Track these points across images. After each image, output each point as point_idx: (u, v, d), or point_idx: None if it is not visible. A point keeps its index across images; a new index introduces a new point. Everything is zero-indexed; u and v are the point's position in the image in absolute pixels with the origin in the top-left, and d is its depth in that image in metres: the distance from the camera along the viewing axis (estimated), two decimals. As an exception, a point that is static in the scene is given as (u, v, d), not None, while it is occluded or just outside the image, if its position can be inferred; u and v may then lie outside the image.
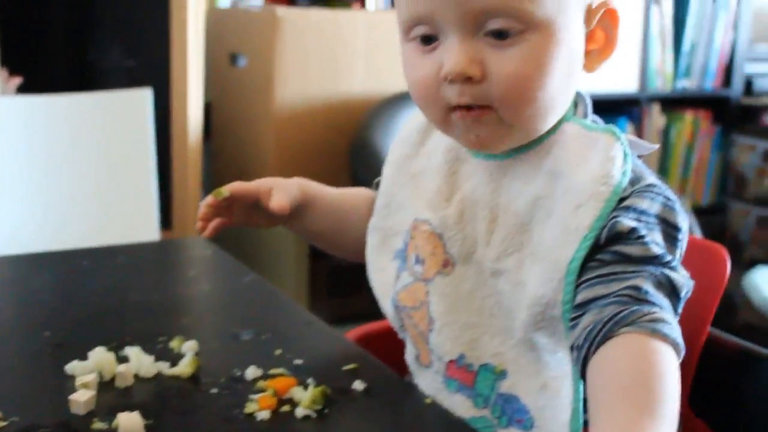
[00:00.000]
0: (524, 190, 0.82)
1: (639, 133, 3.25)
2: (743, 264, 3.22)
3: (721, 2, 3.34)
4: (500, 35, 0.76)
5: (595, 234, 0.76)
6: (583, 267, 0.77)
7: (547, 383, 0.81)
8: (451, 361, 0.86)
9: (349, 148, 2.30)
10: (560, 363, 0.80)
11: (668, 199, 0.79)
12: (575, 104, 0.85)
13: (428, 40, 0.80)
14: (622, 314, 0.72)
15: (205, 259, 1.31)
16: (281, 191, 0.96)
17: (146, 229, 2.00)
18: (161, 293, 1.14)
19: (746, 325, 3.08)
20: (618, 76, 3.11)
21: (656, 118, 3.32)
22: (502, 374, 0.83)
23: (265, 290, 1.15)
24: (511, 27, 0.76)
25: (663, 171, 3.35)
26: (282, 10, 2.26)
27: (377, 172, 1.05)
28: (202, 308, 1.13)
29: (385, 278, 0.94)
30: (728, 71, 3.42)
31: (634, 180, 0.79)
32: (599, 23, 0.82)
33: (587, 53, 0.82)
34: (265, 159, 2.34)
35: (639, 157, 0.83)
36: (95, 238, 1.86)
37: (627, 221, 0.76)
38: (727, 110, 3.44)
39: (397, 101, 2.27)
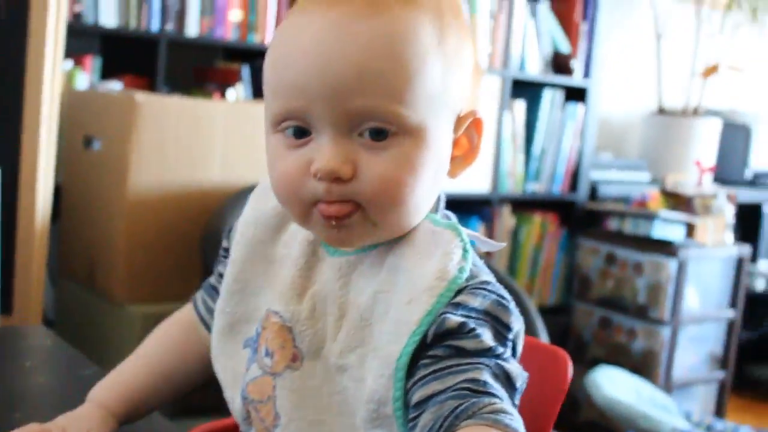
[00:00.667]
0: (368, 285, 0.82)
1: (490, 232, 3.31)
2: (586, 363, 3.29)
3: (569, 112, 3.48)
4: (376, 135, 0.77)
5: (424, 329, 0.76)
6: (416, 364, 0.76)
7: None
8: None
9: (202, 238, 2.26)
10: None
11: (502, 297, 0.79)
12: None
13: (299, 133, 0.79)
14: (462, 407, 0.71)
15: (44, 349, 1.24)
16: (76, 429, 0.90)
17: (-16, 313, 1.90)
18: (-7, 384, 1.07)
19: (588, 422, 3.13)
20: (471, 177, 3.18)
21: (507, 218, 3.40)
22: None
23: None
24: (385, 127, 0.76)
25: (512, 270, 3.41)
26: (141, 96, 2.23)
27: None
28: (36, 402, 1.06)
29: (234, 366, 0.90)
30: (575, 177, 3.54)
31: (470, 278, 0.79)
32: (465, 131, 0.84)
33: (452, 159, 0.83)
34: (115, 244, 2.28)
35: (488, 254, 0.83)
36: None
37: (455, 317, 0.75)
38: (573, 214, 3.56)
39: (251, 193, 2.25)
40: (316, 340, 0.84)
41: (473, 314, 0.77)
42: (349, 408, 0.81)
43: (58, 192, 2.41)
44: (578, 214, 3.55)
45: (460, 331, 0.75)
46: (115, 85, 2.60)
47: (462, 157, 0.85)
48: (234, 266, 0.92)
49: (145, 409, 0.97)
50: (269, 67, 0.81)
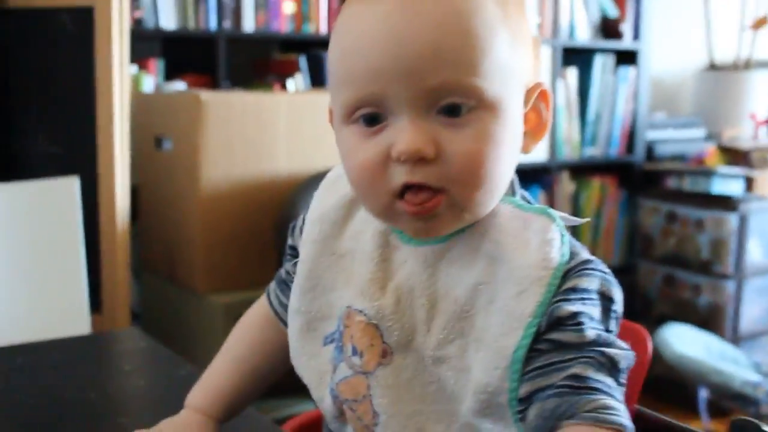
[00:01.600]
0: (463, 275, 0.80)
1: (550, 199, 3.31)
2: (653, 320, 3.28)
3: (621, 75, 3.44)
4: (453, 111, 0.75)
5: (539, 320, 0.75)
6: (527, 356, 0.75)
7: None
8: None
9: (274, 226, 2.29)
10: None
11: (604, 272, 0.78)
12: None
13: (372, 121, 0.77)
14: (562, 407, 0.71)
15: (140, 352, 1.28)
16: None
17: (76, 315, 1.94)
18: (98, 391, 1.10)
19: (659, 378, 3.12)
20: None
21: (566, 184, 3.38)
22: None
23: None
24: (464, 102, 0.74)
25: (574, 234, 3.39)
26: (205, 94, 2.25)
27: None
28: (138, 405, 1.10)
29: (317, 366, 0.89)
30: (631, 138, 3.51)
31: (571, 260, 0.77)
32: (533, 104, 0.82)
33: (523, 134, 0.81)
34: (192, 239, 2.32)
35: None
36: (26, 327, 1.81)
37: (568, 306, 0.74)
38: (632, 175, 3.53)
39: (320, 180, 2.27)
40: (405, 333, 0.82)
41: (585, 296, 0.76)
42: (446, 396, 0.81)
43: (134, 193, 2.45)
44: (636, 176, 3.52)
45: (567, 322, 0.74)
46: (179, 85, 2.64)
47: (532, 131, 0.82)
48: (304, 265, 0.90)
49: (240, 407, 0.99)
50: (337, 58, 0.79)
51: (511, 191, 0.83)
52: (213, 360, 1.00)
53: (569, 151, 3.35)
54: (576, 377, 0.72)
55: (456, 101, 0.74)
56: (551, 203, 3.28)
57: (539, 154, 3.24)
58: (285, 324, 0.94)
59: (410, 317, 0.82)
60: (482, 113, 0.75)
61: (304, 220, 0.93)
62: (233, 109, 2.28)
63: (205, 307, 2.29)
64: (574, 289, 0.75)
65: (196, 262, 2.32)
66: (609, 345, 0.74)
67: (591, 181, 3.46)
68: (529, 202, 0.83)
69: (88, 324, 1.95)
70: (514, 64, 0.78)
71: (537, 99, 0.82)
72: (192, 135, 2.26)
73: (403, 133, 0.75)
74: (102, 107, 2.20)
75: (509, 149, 0.78)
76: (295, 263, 0.92)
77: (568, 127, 3.34)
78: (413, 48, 0.73)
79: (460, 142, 0.75)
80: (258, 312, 1.01)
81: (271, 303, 0.99)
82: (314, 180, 2.38)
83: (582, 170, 3.47)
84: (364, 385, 0.84)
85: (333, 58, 0.80)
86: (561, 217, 0.80)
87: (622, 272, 3.49)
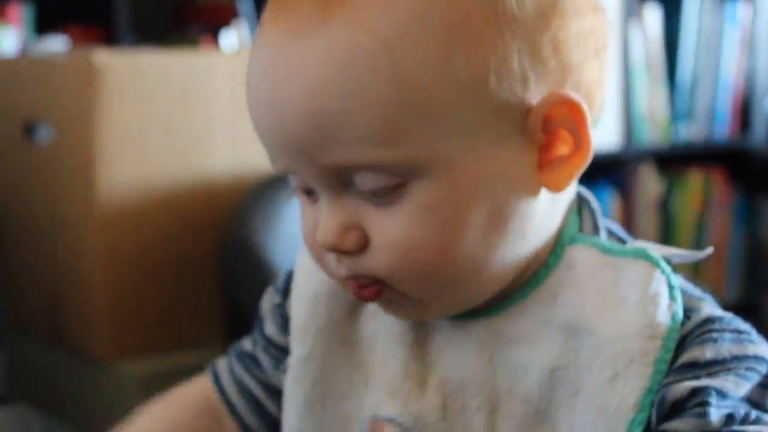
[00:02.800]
0: (532, 360, 0.82)
1: (628, 202, 3.30)
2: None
3: (727, 15, 3.43)
4: (375, 193, 0.78)
5: (646, 414, 0.77)
6: None
7: None
8: None
9: (214, 254, 2.26)
10: None
11: (736, 330, 0.79)
12: (579, 209, 0.86)
13: (308, 191, 0.84)
14: None
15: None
16: None
17: None
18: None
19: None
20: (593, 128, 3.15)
21: (650, 182, 3.37)
22: None
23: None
24: (383, 185, 0.77)
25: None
26: (100, 56, 2.22)
27: (260, 289, 1.02)
28: None
29: None
30: (745, 112, 3.50)
31: (685, 320, 0.80)
32: (550, 128, 0.81)
33: (547, 165, 0.81)
34: (86, 277, 2.28)
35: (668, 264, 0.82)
36: None
37: (682, 384, 0.76)
38: (749, 166, 3.53)
39: (278, 184, 2.24)
40: None
41: (711, 370, 0.77)
42: None
43: (-8, 209, 2.41)
44: (756, 166, 3.53)
45: (689, 403, 0.76)
46: (58, 43, 2.62)
47: (565, 160, 0.82)
48: (309, 365, 0.94)
49: None
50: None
51: (592, 225, 0.86)
52: None
53: (653, 133, 3.36)
54: None
55: (372, 184, 0.78)
56: (629, 209, 3.27)
57: (608, 137, 3.24)
58: (241, 423, 1.01)
59: (463, 426, 0.85)
60: (418, 184, 0.78)
61: (288, 282, 0.99)
62: (143, 77, 2.26)
63: (109, 382, 2.26)
64: (689, 366, 0.77)
65: (92, 313, 2.28)
66: (755, 421, 0.76)
67: (687, 175, 3.47)
68: (620, 240, 0.86)
69: None
70: (475, 90, 0.77)
71: (555, 117, 0.81)
72: (82, 119, 2.23)
73: (322, 218, 0.81)
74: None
75: (481, 221, 0.79)
76: (278, 347, 0.99)
77: (650, 97, 3.34)
78: (290, 118, 0.78)
79: (390, 229, 0.79)
80: (189, 398, 1.05)
81: (221, 388, 1.03)
82: (269, 184, 2.36)
83: (673, 160, 3.48)
84: None
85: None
86: (666, 256, 0.82)
87: (741, 311, 3.45)
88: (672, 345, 0.78)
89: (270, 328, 1.00)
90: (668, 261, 0.81)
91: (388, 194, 0.78)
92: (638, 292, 0.79)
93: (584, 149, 0.81)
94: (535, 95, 0.79)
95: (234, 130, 2.34)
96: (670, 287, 0.80)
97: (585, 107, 0.80)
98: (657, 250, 0.81)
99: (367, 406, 0.89)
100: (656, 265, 0.80)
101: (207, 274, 2.31)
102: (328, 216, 0.80)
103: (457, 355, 0.86)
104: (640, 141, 3.33)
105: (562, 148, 0.82)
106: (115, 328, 2.28)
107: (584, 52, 0.82)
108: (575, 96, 0.80)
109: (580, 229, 0.85)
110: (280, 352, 0.99)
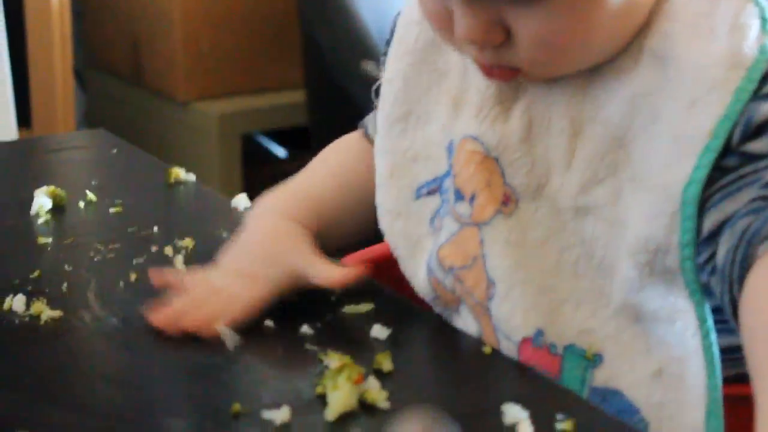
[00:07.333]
0: (618, 86, 0.83)
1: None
2: None
3: None
4: None
5: (720, 143, 0.76)
6: (709, 189, 0.77)
7: (664, 369, 0.81)
8: (525, 340, 0.86)
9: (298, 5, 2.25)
10: (681, 337, 0.80)
11: None
12: None
13: None
14: (755, 226, 0.73)
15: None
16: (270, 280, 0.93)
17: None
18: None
19: None
20: None
21: None
22: (595, 360, 0.84)
23: (200, 193, 1.22)
24: None
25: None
26: None
27: (339, 32, 1.00)
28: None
29: (409, 228, 0.94)
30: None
31: None
32: None
33: None
34: (165, 16, 2.29)
35: None
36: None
37: (764, 109, 0.76)
38: None
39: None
40: (537, 173, 0.86)
41: None
42: (592, 267, 0.84)
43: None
44: None
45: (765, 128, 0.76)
46: None
47: None
48: (392, 85, 0.95)
49: (337, 232, 1.02)
50: None
51: None
52: (289, 180, 1.04)
53: None
54: None
55: None
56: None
57: None
58: None
59: (545, 149, 0.86)
60: None
61: (392, 33, 0.97)
62: None
63: (188, 120, 2.31)
64: None
65: (172, 55, 2.31)
66: None
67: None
68: None
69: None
70: None
71: None
72: None
73: (459, 14, 0.80)
74: None
75: (614, 5, 0.78)
76: None
77: None
78: None
79: (533, 25, 0.78)
80: (352, 145, 1.06)
81: (369, 137, 1.03)
82: None
83: None
84: (476, 240, 0.87)
85: None
86: None
87: None
88: (757, 76, 0.77)
89: None
90: None
91: None
92: (725, 23, 0.78)
93: None
94: None
95: None
96: (763, 20, 0.78)
97: None
98: None
99: (451, 129, 0.90)
100: None
101: (288, 16, 2.30)
102: (471, 14, 0.79)
103: (549, 83, 0.86)
104: None
105: None
106: (193, 69, 2.31)
107: None
108: None
109: None
110: None
